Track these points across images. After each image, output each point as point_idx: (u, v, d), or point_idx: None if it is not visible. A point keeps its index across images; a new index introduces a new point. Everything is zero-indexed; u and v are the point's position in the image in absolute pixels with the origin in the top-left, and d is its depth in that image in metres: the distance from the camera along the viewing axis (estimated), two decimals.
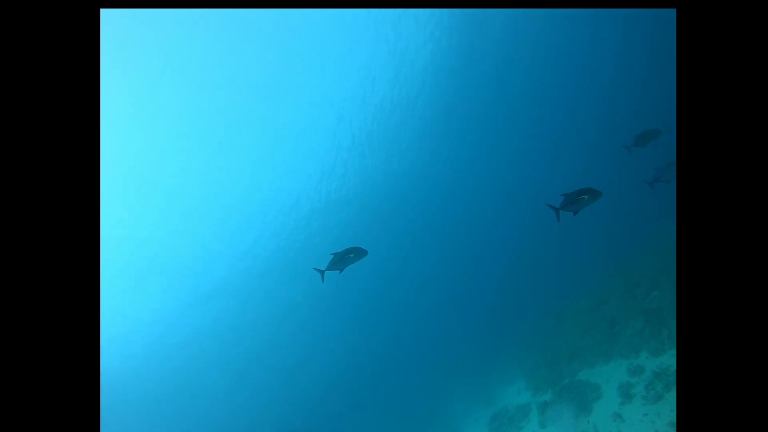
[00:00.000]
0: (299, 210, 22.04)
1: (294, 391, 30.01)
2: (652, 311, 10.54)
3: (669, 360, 8.96)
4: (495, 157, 23.25)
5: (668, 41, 13.49)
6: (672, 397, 7.98)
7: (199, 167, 17.69)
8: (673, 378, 8.30)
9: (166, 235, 19.38)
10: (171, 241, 19.70)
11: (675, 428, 7.02)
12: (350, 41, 15.87)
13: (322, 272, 6.23)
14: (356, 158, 20.73)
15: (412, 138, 20.74)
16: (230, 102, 16.08)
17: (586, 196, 5.40)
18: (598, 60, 19.01)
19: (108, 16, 10.87)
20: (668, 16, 14.36)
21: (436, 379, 21.97)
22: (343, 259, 5.91)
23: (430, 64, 17.54)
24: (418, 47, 16.67)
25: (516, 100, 20.21)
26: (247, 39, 14.30)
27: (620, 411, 8.96)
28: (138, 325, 23.06)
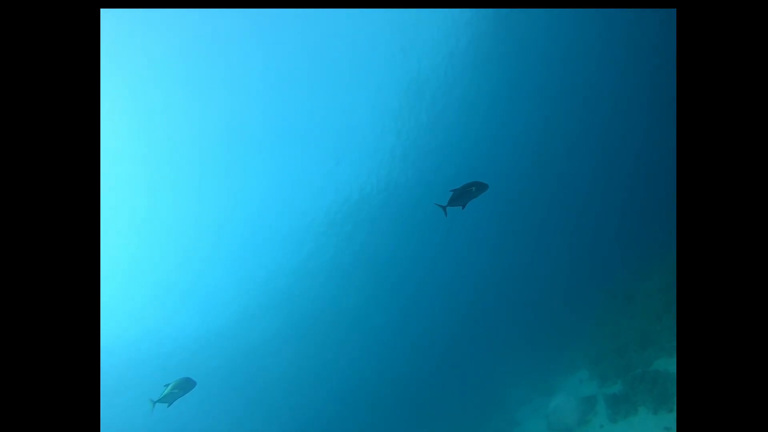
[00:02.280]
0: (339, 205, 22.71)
1: (349, 386, 31.53)
2: None
3: None
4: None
5: (668, 41, 13.92)
6: None
7: (201, 169, 18.11)
8: None
9: (171, 242, 20.07)
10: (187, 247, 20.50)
11: None
12: (355, 40, 15.94)
13: (444, 207, 6.04)
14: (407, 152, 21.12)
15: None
16: (232, 102, 16.34)
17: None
18: (597, 60, 19.34)
19: (108, 16, 11.21)
20: (668, 16, 14.97)
21: (492, 364, 22.08)
22: (463, 194, 5.72)
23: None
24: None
25: (521, 100, 20.84)
26: (248, 39, 14.46)
27: None
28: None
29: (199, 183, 18.51)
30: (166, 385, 6.84)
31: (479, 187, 5.68)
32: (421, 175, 22.94)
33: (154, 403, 6.95)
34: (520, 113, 21.76)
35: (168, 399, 6.78)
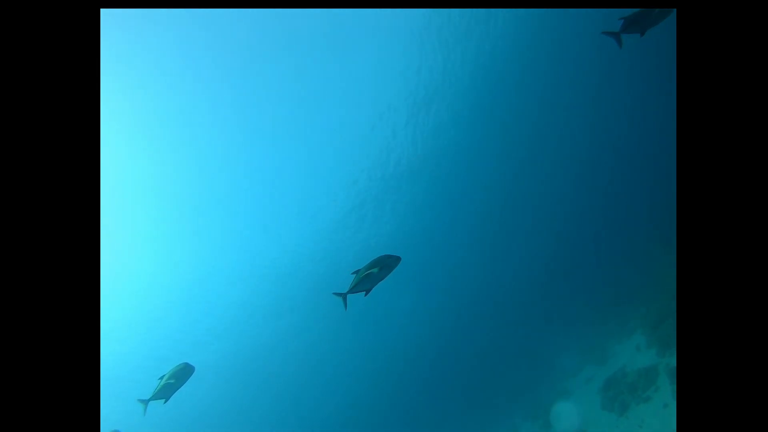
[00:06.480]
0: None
1: (430, 349, 31.11)
2: None
3: None
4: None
5: (668, 41, 13.43)
6: None
7: (201, 170, 18.11)
8: None
9: (172, 241, 19.98)
10: (178, 246, 20.40)
11: None
12: (359, 41, 15.95)
13: (618, 37, 5.15)
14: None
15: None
16: (232, 102, 16.35)
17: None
18: (596, 59, 19.26)
19: (108, 16, 11.23)
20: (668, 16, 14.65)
21: (540, 330, 20.59)
22: (640, 18, 4.85)
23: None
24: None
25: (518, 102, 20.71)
26: (249, 39, 14.47)
27: None
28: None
29: (201, 182, 18.52)
30: (161, 378, 5.52)
31: (662, 12, 4.74)
32: (415, 174, 22.78)
33: (147, 402, 5.66)
34: (519, 112, 21.66)
35: (164, 393, 5.48)
